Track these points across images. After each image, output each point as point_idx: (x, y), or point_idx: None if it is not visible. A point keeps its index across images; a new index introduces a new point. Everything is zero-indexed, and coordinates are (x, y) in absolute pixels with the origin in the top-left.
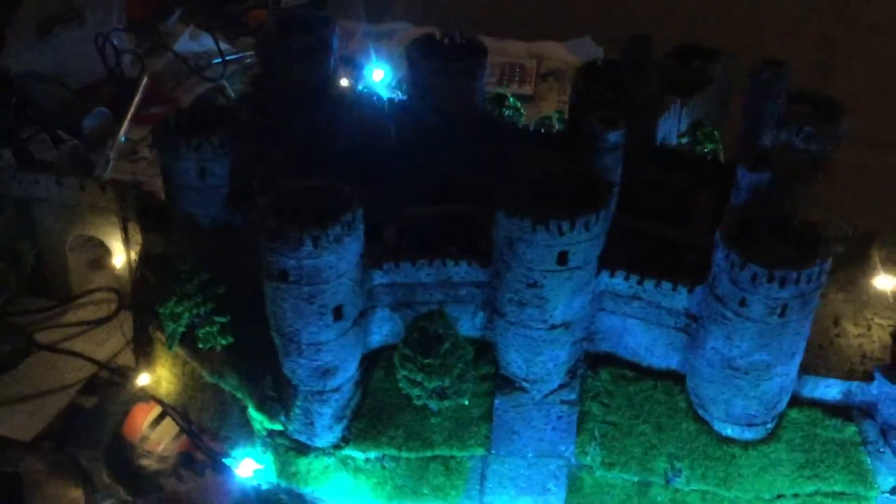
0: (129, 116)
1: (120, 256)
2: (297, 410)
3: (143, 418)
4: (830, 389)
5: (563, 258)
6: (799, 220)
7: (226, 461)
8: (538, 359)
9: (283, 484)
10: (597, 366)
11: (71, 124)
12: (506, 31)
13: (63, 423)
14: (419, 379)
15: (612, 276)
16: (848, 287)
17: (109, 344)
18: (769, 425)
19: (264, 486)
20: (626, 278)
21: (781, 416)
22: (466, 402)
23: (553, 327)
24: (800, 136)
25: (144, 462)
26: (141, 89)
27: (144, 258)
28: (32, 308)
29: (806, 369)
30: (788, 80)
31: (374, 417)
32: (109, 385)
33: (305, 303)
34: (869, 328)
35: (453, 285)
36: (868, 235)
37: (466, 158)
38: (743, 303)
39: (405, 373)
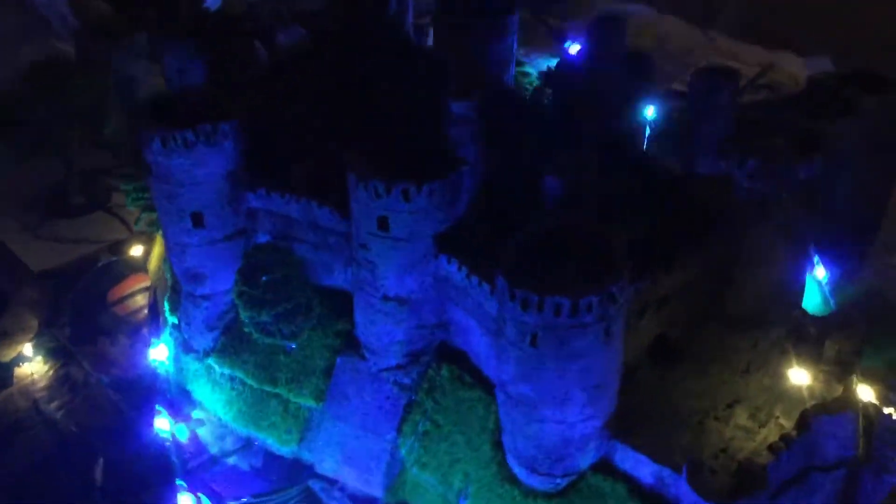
0: None
1: None
2: (181, 309)
3: (130, 286)
4: (642, 467)
5: (383, 223)
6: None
7: (154, 341)
8: (373, 328)
9: (173, 377)
10: (444, 361)
11: None
12: (752, 35)
13: (76, 271)
14: (245, 308)
15: (448, 262)
16: (778, 375)
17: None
18: (559, 481)
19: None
20: (459, 268)
21: (582, 477)
22: (292, 346)
23: (386, 298)
24: (742, 169)
25: (107, 318)
26: None
27: None
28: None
29: (621, 436)
30: (736, 96)
31: (238, 339)
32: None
33: (166, 201)
34: (762, 424)
35: (322, 230)
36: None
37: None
38: (503, 322)
39: (238, 300)
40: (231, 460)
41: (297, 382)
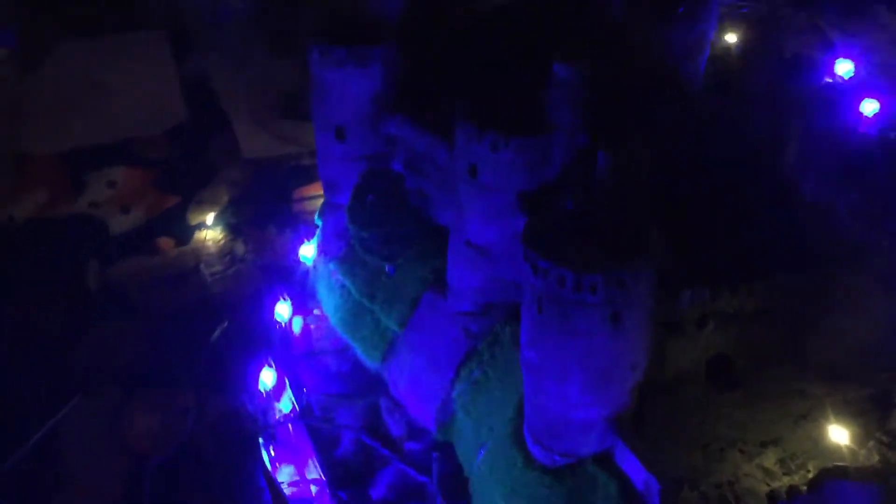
0: None
1: None
2: (324, 215)
3: (314, 190)
4: (635, 471)
5: (472, 169)
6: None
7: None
8: (454, 270)
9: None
10: (512, 320)
11: None
12: None
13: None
14: (351, 222)
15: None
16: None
17: None
18: (556, 458)
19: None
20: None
21: (581, 463)
22: (392, 270)
23: (468, 243)
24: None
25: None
26: None
27: None
28: None
29: (626, 434)
30: (589, 83)
31: (355, 253)
32: None
33: (318, 109)
34: (788, 473)
35: (441, 168)
36: None
37: None
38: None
39: (347, 213)
40: (326, 358)
41: (389, 304)
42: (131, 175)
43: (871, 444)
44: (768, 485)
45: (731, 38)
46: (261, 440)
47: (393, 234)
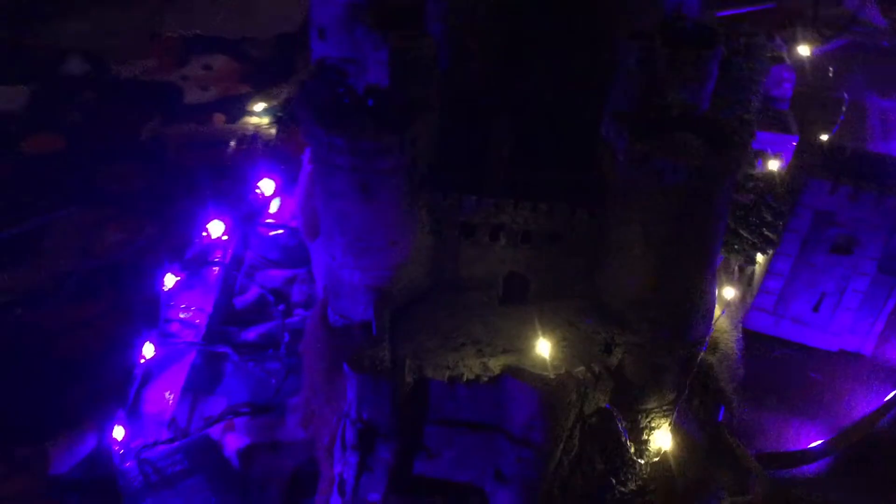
0: None
1: None
2: None
3: None
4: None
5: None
6: None
7: None
8: None
9: None
10: None
11: None
12: None
13: None
14: None
15: None
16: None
17: None
18: (337, 318)
19: None
20: None
21: (352, 326)
22: None
23: None
24: (621, 142)
25: None
26: None
27: None
28: None
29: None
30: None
31: None
32: None
33: None
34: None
35: None
36: None
37: None
38: None
39: None
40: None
41: None
42: (227, 64)
43: (582, 368)
44: (472, 373)
45: None
46: None
47: None
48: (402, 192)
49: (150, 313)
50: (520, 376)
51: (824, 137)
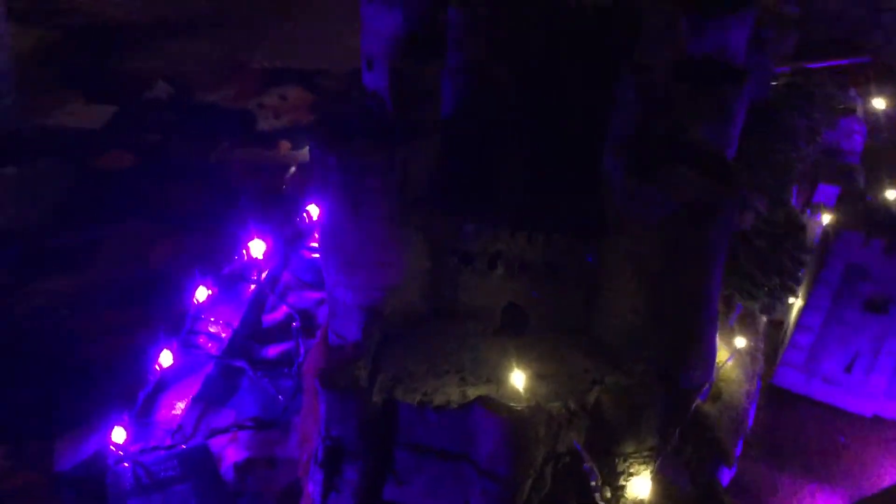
0: None
1: None
2: None
3: None
4: None
5: None
6: None
7: None
8: None
9: None
10: None
11: None
12: None
13: None
14: None
15: None
16: None
17: None
18: (334, 337)
19: None
20: None
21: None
22: None
23: None
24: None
25: None
26: None
27: None
28: None
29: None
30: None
31: None
32: None
33: None
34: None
35: None
36: None
37: None
38: None
39: None
40: None
41: None
42: (300, 95)
43: (558, 403)
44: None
45: None
46: None
47: None
48: (393, 212)
49: (173, 323)
50: (488, 405)
51: (892, 194)
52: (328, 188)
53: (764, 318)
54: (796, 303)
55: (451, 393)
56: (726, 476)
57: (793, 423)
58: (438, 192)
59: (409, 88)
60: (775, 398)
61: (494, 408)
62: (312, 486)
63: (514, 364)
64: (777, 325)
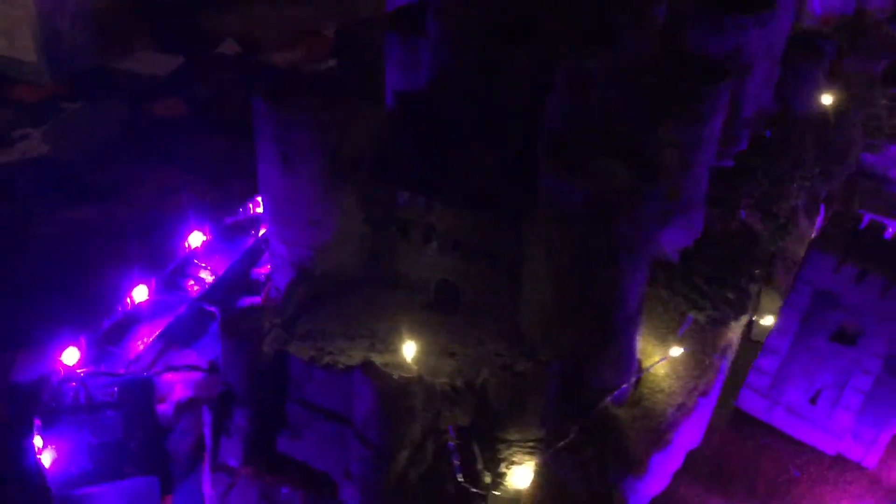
0: None
1: None
2: None
3: None
4: None
5: None
6: None
7: None
8: None
9: None
10: None
11: None
12: None
13: None
14: None
15: None
16: None
17: None
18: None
19: None
20: None
21: None
22: None
23: None
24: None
25: None
26: None
27: None
28: None
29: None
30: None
31: None
32: None
33: None
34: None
35: None
36: None
37: None
38: None
39: None
40: None
41: None
42: None
43: (445, 380)
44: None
45: None
46: None
47: None
48: (323, 171)
49: (155, 262)
50: (367, 370)
51: None
52: (261, 138)
53: (731, 334)
54: (769, 322)
55: (356, 357)
56: (649, 489)
57: (748, 449)
58: (385, 162)
59: (347, 51)
60: (738, 421)
61: (372, 374)
62: (205, 427)
63: (405, 335)
64: (754, 343)
